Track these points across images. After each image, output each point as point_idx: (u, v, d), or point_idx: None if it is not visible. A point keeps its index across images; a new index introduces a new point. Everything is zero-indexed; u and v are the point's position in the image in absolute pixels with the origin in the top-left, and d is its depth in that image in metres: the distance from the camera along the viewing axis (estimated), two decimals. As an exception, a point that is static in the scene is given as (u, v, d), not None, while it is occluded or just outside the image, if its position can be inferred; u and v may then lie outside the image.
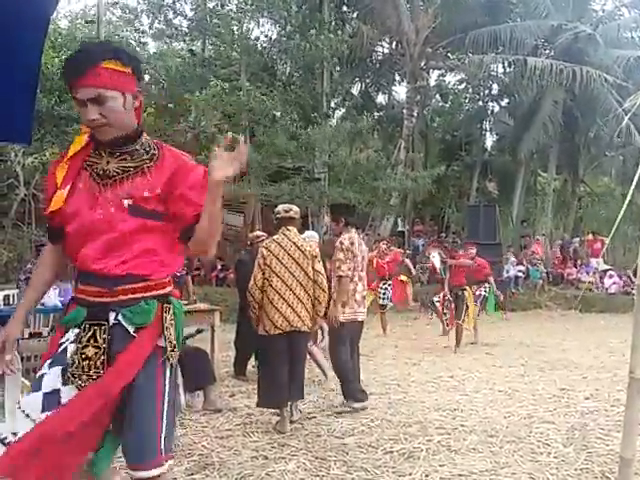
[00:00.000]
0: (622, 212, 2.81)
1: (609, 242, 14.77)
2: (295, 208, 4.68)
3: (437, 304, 8.57)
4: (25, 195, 12.78)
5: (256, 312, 4.42)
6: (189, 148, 16.34)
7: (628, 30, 19.12)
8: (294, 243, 4.43)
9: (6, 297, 7.18)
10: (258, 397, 4.47)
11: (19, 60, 2.84)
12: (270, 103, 13.77)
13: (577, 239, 17.44)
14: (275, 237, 4.51)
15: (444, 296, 8.45)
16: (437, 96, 24.29)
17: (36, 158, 12.41)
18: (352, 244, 4.91)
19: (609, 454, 3.75)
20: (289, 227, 4.52)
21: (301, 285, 4.38)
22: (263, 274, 4.35)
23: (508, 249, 15.97)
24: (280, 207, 4.69)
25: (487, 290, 8.91)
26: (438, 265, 8.53)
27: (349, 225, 5.07)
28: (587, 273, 15.46)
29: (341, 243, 4.91)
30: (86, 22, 14.29)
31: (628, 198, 2.86)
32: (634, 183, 2.54)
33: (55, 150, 13.90)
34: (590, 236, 16.89)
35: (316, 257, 4.47)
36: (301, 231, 4.99)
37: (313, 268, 4.42)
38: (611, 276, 14.49)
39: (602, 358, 7.67)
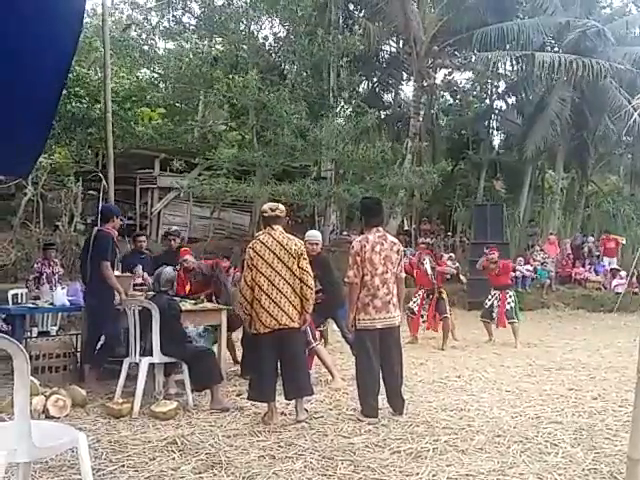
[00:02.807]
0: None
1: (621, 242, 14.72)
2: (281, 207, 4.67)
3: (415, 308, 8.63)
4: (33, 195, 12.85)
5: (249, 312, 4.47)
6: (197, 147, 16.45)
7: (637, 27, 19.01)
8: (279, 242, 4.44)
9: (15, 296, 7.24)
10: (249, 390, 4.62)
11: (37, 93, 2.77)
12: (278, 101, 13.77)
13: (592, 238, 17.29)
14: (260, 237, 4.55)
15: (422, 298, 8.61)
16: (444, 95, 24.25)
17: (45, 158, 12.46)
18: (362, 248, 4.63)
19: (617, 454, 3.73)
20: (274, 226, 4.53)
21: (288, 283, 4.41)
22: (251, 274, 4.41)
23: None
24: (266, 206, 4.69)
25: (512, 300, 8.77)
26: (429, 271, 8.55)
27: (369, 225, 4.80)
28: (596, 273, 15.35)
29: (352, 247, 4.75)
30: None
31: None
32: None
33: (64, 150, 13.99)
34: (604, 235, 16.75)
35: (301, 255, 4.46)
36: (292, 229, 4.94)
37: (299, 266, 4.43)
38: (621, 277, 14.38)
39: (610, 358, 7.63)
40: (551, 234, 16.86)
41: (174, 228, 7.95)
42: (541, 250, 15.70)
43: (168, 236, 7.31)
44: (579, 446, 3.92)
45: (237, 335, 6.64)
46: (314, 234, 6.29)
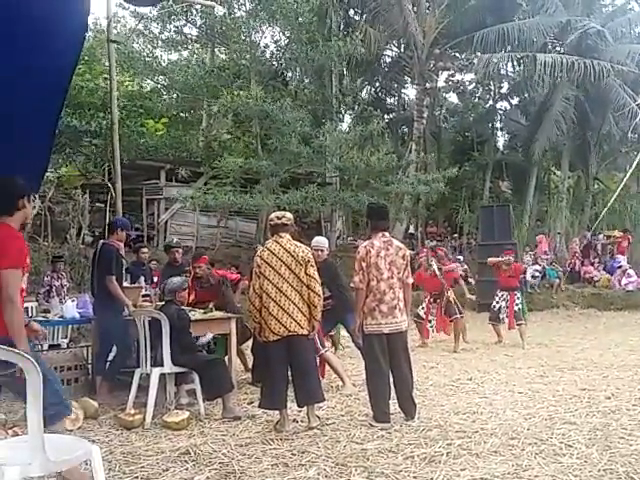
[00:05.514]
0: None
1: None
2: (288, 215, 4.69)
3: (422, 314, 8.65)
4: (41, 208, 12.92)
5: (257, 320, 4.49)
6: (202, 156, 16.52)
7: (639, 24, 18.96)
8: (286, 249, 4.46)
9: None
10: (260, 398, 4.62)
11: (38, 118, 2.80)
12: (280, 111, 13.81)
13: (601, 236, 17.22)
14: (268, 245, 4.57)
15: (428, 303, 8.65)
16: (447, 97, 24.27)
17: (51, 172, 12.55)
18: (367, 253, 4.67)
19: (633, 454, 3.70)
20: (281, 234, 4.55)
21: (295, 290, 4.41)
22: (259, 281, 4.44)
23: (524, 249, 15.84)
24: (273, 214, 4.72)
25: (520, 302, 8.76)
26: (438, 272, 8.57)
27: (375, 230, 4.82)
28: (610, 272, 15.22)
29: (358, 252, 4.79)
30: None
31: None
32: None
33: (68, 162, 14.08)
34: (616, 232, 16.63)
35: (309, 262, 4.46)
36: (299, 236, 4.96)
37: (306, 273, 4.43)
38: (629, 275, 14.28)
39: (622, 356, 7.56)
40: (539, 234, 16.88)
41: (175, 240, 7.84)
42: (544, 252, 15.66)
43: (170, 249, 7.11)
44: (594, 446, 3.89)
45: (247, 343, 6.64)
46: (320, 240, 6.30)
